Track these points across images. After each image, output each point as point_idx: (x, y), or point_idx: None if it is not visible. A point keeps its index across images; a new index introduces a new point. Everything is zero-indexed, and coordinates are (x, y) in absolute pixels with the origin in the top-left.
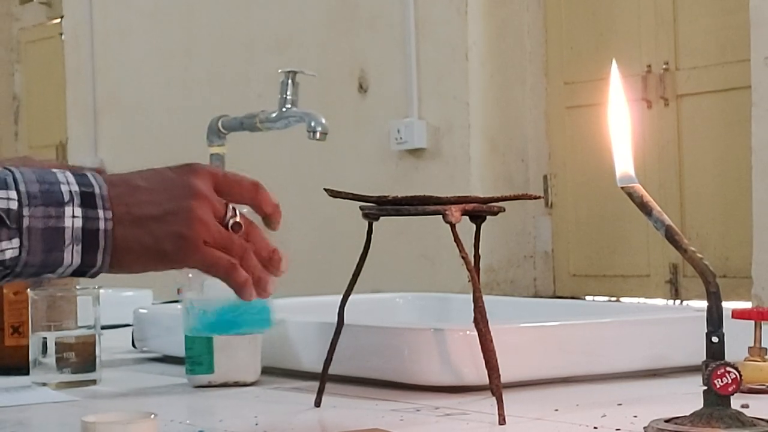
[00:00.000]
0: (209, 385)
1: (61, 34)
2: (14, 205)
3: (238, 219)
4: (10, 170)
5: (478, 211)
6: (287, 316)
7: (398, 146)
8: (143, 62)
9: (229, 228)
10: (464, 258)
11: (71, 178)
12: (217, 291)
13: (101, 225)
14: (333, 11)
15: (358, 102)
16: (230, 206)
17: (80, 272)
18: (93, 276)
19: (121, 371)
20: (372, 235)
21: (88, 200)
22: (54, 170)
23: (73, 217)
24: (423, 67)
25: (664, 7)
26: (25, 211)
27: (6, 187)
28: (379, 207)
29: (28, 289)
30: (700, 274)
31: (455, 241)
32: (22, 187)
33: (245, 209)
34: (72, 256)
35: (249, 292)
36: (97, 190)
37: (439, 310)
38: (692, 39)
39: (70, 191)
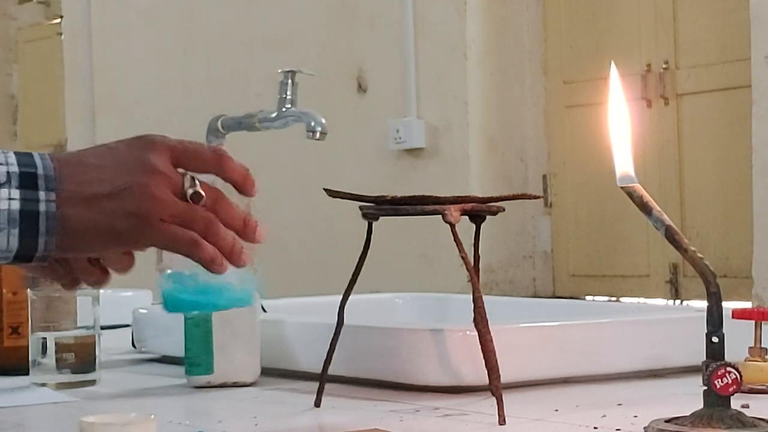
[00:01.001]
0: (208, 386)
1: (59, 33)
2: None
3: (198, 189)
4: None
5: (478, 210)
6: (286, 316)
7: (397, 146)
8: (142, 62)
9: (188, 199)
10: (464, 258)
11: (12, 159)
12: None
13: (42, 207)
14: (332, 11)
15: (357, 101)
16: (188, 176)
17: (24, 257)
18: (42, 260)
19: (120, 372)
20: (371, 235)
21: (27, 181)
22: None
23: (10, 199)
24: (422, 67)
25: (663, 5)
26: None
27: None
28: (378, 207)
29: (28, 289)
30: (700, 274)
31: (455, 241)
32: None
33: (220, 182)
34: (8, 240)
35: (218, 265)
36: (40, 171)
37: (438, 310)
38: (692, 37)
39: (8, 172)
